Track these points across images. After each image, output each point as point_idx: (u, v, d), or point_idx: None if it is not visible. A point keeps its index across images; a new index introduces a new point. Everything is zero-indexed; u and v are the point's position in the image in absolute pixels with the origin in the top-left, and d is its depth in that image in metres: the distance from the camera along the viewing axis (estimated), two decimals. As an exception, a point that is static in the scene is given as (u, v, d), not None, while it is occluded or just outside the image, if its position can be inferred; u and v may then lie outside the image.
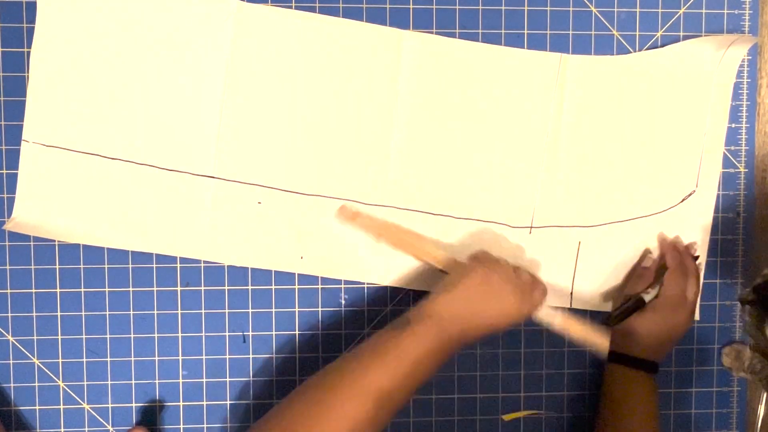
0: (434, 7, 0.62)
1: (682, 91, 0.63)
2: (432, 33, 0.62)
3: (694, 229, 0.64)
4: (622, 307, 0.61)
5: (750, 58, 0.64)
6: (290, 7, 0.61)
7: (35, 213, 0.59)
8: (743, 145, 0.65)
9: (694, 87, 0.63)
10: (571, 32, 0.63)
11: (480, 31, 0.62)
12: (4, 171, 0.60)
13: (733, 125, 0.65)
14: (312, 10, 0.61)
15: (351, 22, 0.61)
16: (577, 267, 0.63)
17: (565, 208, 0.63)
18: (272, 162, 0.61)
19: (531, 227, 0.63)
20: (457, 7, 0.62)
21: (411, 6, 0.62)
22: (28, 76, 0.59)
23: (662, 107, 0.63)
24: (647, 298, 0.60)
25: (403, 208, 0.62)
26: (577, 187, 0.63)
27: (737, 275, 0.66)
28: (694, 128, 0.63)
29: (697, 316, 0.64)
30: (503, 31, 0.63)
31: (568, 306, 0.64)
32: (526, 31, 0.63)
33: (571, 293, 0.64)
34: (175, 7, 0.59)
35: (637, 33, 0.64)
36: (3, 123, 0.60)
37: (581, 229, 0.63)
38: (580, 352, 0.65)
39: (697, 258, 0.63)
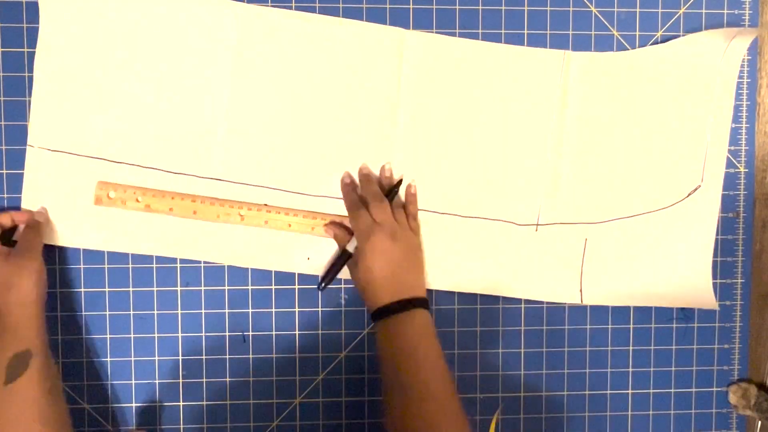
0: (434, 7, 0.62)
1: (685, 85, 0.63)
2: (432, 32, 0.62)
3: (701, 223, 0.64)
4: (328, 266, 0.60)
5: (750, 58, 0.64)
6: (290, 8, 0.61)
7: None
8: (743, 145, 0.65)
9: (697, 81, 0.63)
10: (571, 32, 0.63)
11: (480, 31, 0.62)
12: (5, 171, 0.60)
13: (733, 125, 0.65)
14: (312, 10, 0.61)
15: (353, 22, 0.61)
16: (585, 263, 0.63)
17: (571, 205, 0.63)
18: (278, 163, 0.61)
19: (537, 225, 0.63)
20: (458, 7, 0.62)
21: (411, 6, 0.62)
22: (28, 76, 0.59)
23: (666, 102, 0.63)
24: (350, 246, 0.59)
25: None
26: (582, 184, 0.63)
27: (737, 275, 0.66)
28: (699, 123, 0.63)
29: (715, 306, 0.64)
30: (503, 31, 0.63)
31: (580, 302, 0.64)
32: (526, 31, 0.63)
33: (581, 290, 0.64)
34: (179, 11, 0.59)
35: (637, 33, 0.64)
36: (3, 123, 0.60)
37: (587, 225, 0.63)
38: (580, 352, 0.65)
39: (394, 188, 0.60)
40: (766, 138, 0.66)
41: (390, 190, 0.60)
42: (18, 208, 0.59)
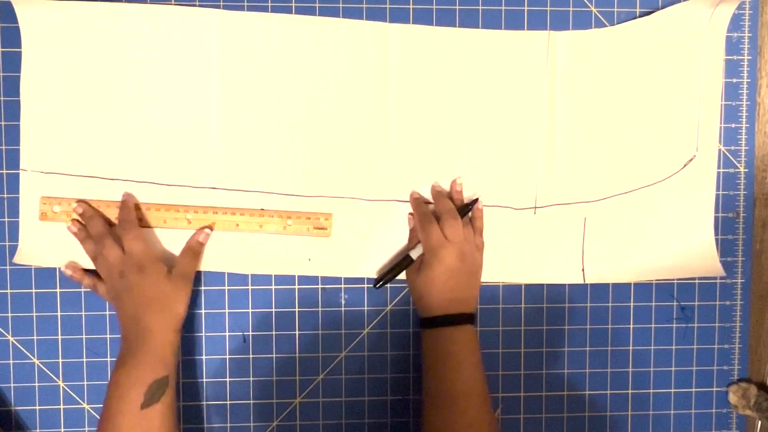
0: (434, 7, 0.62)
1: (673, 55, 0.63)
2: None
3: (698, 192, 0.64)
4: (388, 266, 0.60)
5: (750, 58, 0.64)
6: (291, 9, 0.61)
7: (39, 242, 0.59)
8: (743, 145, 0.65)
9: (685, 50, 0.63)
10: (571, 32, 0.63)
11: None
12: (5, 171, 0.60)
13: (733, 125, 0.65)
14: (312, 10, 0.61)
15: (335, 20, 0.61)
16: (586, 243, 0.63)
17: (567, 185, 0.63)
18: (271, 167, 0.61)
19: (535, 207, 0.63)
20: (457, 7, 0.62)
21: (411, 6, 0.62)
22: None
23: (655, 74, 0.63)
24: (414, 254, 0.59)
25: (406, 201, 0.62)
26: (577, 164, 0.63)
27: (737, 275, 0.66)
28: (689, 92, 0.63)
29: (721, 272, 0.64)
30: (503, 31, 0.62)
31: (582, 282, 0.64)
32: (526, 31, 0.63)
33: (583, 270, 0.64)
34: (161, 23, 0.59)
35: (637, 33, 0.64)
36: (3, 123, 0.60)
37: (585, 204, 0.63)
38: (580, 352, 0.65)
39: (469, 206, 0.61)
40: (766, 138, 0.66)
41: (465, 207, 0.61)
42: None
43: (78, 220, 0.59)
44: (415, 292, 0.59)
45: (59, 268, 0.60)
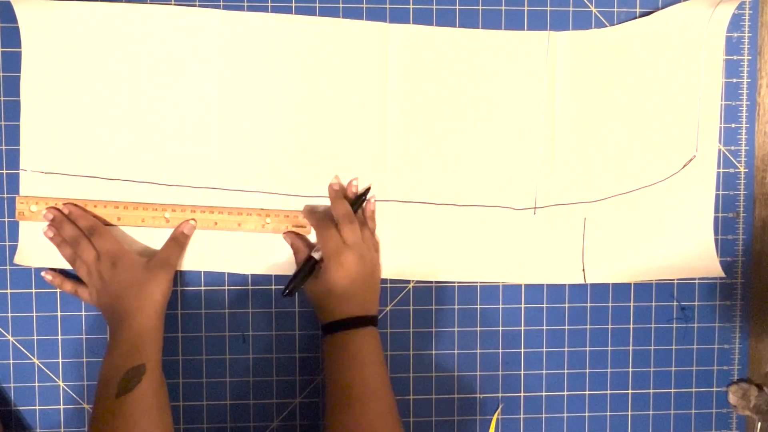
0: (434, 7, 0.62)
1: (673, 55, 0.62)
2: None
3: (698, 192, 0.64)
4: (295, 273, 0.59)
5: (750, 58, 0.64)
6: (291, 9, 0.61)
7: (40, 243, 0.59)
8: (743, 145, 0.65)
9: (684, 50, 0.62)
10: (571, 32, 0.63)
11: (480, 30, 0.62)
12: (5, 171, 0.60)
13: (733, 125, 0.65)
14: (312, 10, 0.61)
15: (335, 21, 0.61)
16: (586, 243, 0.63)
17: (567, 185, 0.63)
18: (272, 167, 0.61)
19: (535, 208, 0.63)
20: (457, 7, 0.62)
21: (411, 6, 0.62)
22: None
23: (655, 74, 0.63)
24: (317, 255, 0.58)
25: (406, 201, 0.62)
26: (577, 164, 0.63)
27: (737, 275, 0.66)
28: (689, 92, 0.63)
29: (720, 272, 0.64)
30: (503, 31, 0.62)
31: (583, 282, 0.64)
32: (526, 31, 0.63)
33: (583, 270, 0.64)
34: (162, 23, 0.59)
35: (637, 33, 0.64)
36: (3, 123, 0.60)
37: (585, 205, 0.63)
38: (581, 352, 0.65)
39: (362, 197, 0.60)
40: (766, 138, 0.66)
41: (358, 199, 0.60)
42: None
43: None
44: (315, 296, 0.58)
45: (41, 273, 0.60)
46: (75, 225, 0.58)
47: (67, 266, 0.59)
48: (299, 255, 0.60)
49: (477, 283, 0.64)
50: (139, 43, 0.59)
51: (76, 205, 0.59)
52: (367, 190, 0.61)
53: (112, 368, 0.52)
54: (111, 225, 0.60)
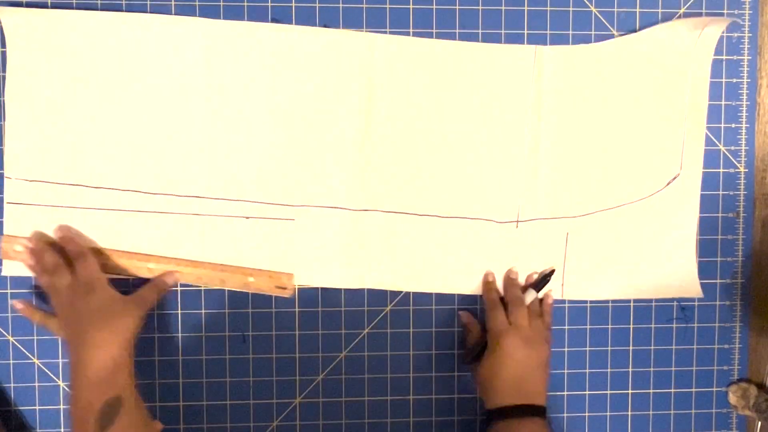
0: (434, 7, 0.62)
1: (660, 74, 0.62)
2: (432, 33, 0.62)
3: (681, 212, 0.64)
4: (471, 346, 0.61)
5: (750, 58, 0.64)
6: (290, 9, 0.61)
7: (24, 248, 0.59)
8: (743, 145, 0.65)
9: (671, 70, 0.62)
10: (571, 32, 0.63)
11: (480, 31, 0.62)
12: (4, 171, 0.60)
13: (733, 125, 0.65)
14: (312, 10, 0.61)
15: (321, 30, 0.61)
16: (567, 258, 0.63)
17: (550, 200, 0.63)
18: (256, 176, 0.61)
19: (518, 221, 0.63)
20: (457, 7, 0.62)
21: (411, 6, 0.62)
22: (3, 115, 0.59)
23: (641, 92, 0.63)
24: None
25: (388, 211, 0.62)
26: (561, 179, 0.63)
27: (737, 275, 0.66)
28: (675, 111, 0.63)
29: (700, 294, 0.64)
30: (503, 31, 0.63)
31: (561, 297, 0.64)
32: (526, 32, 0.63)
33: (562, 285, 0.64)
34: (146, 32, 0.59)
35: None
36: (3, 123, 0.60)
37: (568, 220, 0.63)
38: (580, 352, 0.65)
39: (546, 277, 0.62)
40: (766, 138, 0.66)
41: (541, 279, 0.61)
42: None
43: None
44: (481, 380, 0.58)
45: (12, 302, 0.60)
46: (56, 252, 0.57)
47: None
48: (471, 335, 0.62)
49: (458, 294, 0.64)
50: (125, 51, 0.59)
51: (69, 227, 0.59)
52: (552, 272, 0.62)
53: (85, 404, 0.50)
54: (102, 252, 0.59)
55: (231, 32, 0.60)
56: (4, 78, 0.59)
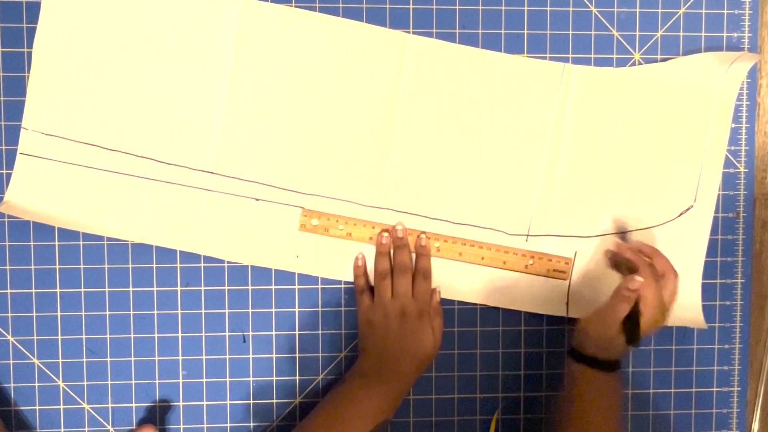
0: (434, 7, 0.62)
1: (684, 105, 0.62)
2: (432, 33, 0.62)
3: (691, 244, 0.63)
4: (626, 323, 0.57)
5: (750, 58, 0.64)
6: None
7: (30, 197, 0.59)
8: (743, 145, 0.65)
9: (696, 102, 0.62)
10: (571, 32, 0.63)
11: (480, 31, 0.62)
12: (4, 171, 0.60)
13: (733, 125, 0.65)
14: (312, 9, 0.61)
15: (355, 23, 0.61)
16: (573, 277, 0.63)
17: (562, 217, 0.63)
18: (271, 159, 0.61)
19: (528, 235, 0.63)
20: (457, 7, 0.62)
21: (411, 6, 0.62)
22: (28, 76, 0.59)
23: (663, 121, 0.63)
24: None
25: (401, 211, 0.62)
26: (575, 197, 0.63)
27: (737, 275, 0.66)
28: (695, 143, 0.63)
29: (704, 325, 0.63)
30: (503, 32, 0.63)
31: (565, 315, 0.63)
32: (526, 32, 0.63)
33: (567, 303, 0.63)
34: (182, 3, 0.59)
35: (637, 33, 0.64)
36: (3, 123, 0.60)
37: (578, 239, 0.63)
38: (580, 352, 0.65)
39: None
40: (766, 138, 0.66)
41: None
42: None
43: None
44: (594, 326, 0.56)
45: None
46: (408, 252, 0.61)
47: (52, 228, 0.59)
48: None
49: (459, 300, 0.64)
50: (157, 18, 0.59)
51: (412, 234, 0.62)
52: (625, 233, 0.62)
53: (378, 394, 0.57)
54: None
55: (265, 12, 0.60)
56: (34, 30, 0.59)
